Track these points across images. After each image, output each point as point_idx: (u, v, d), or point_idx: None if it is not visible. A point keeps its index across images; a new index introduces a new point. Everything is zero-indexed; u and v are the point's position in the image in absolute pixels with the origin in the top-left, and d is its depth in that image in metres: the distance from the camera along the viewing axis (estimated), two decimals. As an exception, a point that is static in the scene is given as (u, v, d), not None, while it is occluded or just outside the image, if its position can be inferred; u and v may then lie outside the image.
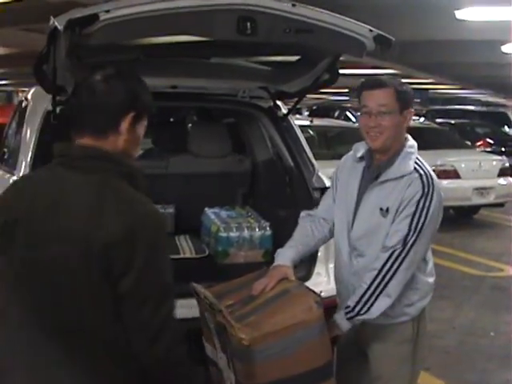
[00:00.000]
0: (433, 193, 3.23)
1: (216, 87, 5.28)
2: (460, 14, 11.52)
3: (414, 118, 20.30)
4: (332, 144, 12.79)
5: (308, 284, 4.34)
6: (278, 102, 5.48)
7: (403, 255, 3.20)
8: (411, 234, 3.20)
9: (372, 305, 3.21)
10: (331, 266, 4.34)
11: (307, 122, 12.86)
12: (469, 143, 16.75)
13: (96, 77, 2.48)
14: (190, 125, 6.89)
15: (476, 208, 14.33)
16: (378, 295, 3.20)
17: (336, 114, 28.93)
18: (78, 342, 2.36)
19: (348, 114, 28.26)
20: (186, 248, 5.35)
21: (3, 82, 33.85)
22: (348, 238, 3.43)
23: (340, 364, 3.57)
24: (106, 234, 2.29)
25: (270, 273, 3.36)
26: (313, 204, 4.61)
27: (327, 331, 3.16)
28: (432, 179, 3.27)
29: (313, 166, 5.22)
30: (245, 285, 3.36)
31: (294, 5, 3.86)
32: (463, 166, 13.24)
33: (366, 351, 3.53)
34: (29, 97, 5.45)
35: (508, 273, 10.11)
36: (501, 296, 8.87)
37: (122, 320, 2.36)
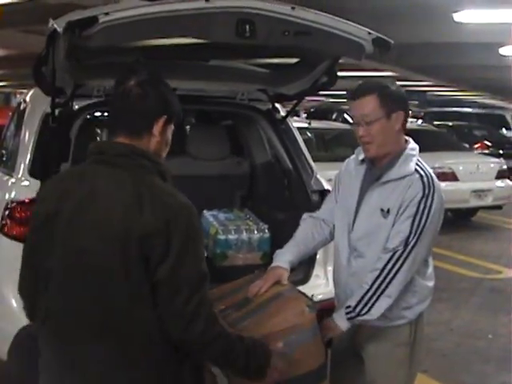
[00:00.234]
0: (433, 194, 3.24)
1: (215, 89, 5.28)
2: (458, 17, 11.53)
3: (411, 120, 20.31)
4: (330, 146, 12.79)
5: (306, 286, 4.36)
6: (277, 105, 5.48)
7: (404, 256, 3.21)
8: (412, 235, 3.21)
9: (373, 305, 3.22)
10: (330, 268, 4.36)
11: (305, 125, 12.86)
12: (467, 145, 16.78)
13: (130, 81, 2.63)
14: (188, 127, 6.89)
15: (474, 210, 14.33)
16: (379, 296, 3.21)
17: (334, 116, 28.93)
18: (112, 327, 2.53)
19: (346, 116, 28.24)
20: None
21: (1, 84, 33.83)
22: (348, 238, 3.44)
23: (335, 366, 3.57)
24: (143, 226, 2.46)
25: (265, 275, 3.38)
26: (311, 206, 4.62)
27: (320, 334, 3.17)
28: (433, 180, 3.28)
29: (311, 168, 5.22)
30: (239, 288, 3.37)
31: (293, 8, 3.86)
32: (461, 168, 13.25)
33: (361, 354, 3.53)
34: (27, 99, 5.45)
35: (506, 275, 10.11)
36: (499, 298, 8.87)
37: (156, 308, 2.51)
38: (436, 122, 20.73)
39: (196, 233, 2.59)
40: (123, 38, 3.97)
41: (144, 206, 2.49)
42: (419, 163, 3.34)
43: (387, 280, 3.21)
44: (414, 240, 3.21)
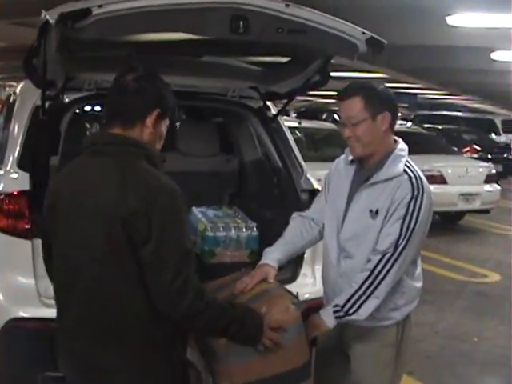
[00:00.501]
0: (423, 195, 3.24)
1: (206, 86, 5.25)
2: (451, 20, 11.55)
3: (401, 122, 20.34)
4: (319, 146, 12.78)
5: (294, 285, 4.35)
6: (268, 103, 5.46)
7: (394, 258, 3.21)
8: (402, 237, 3.21)
9: (361, 305, 3.21)
10: (317, 267, 4.35)
11: (295, 124, 12.85)
12: (456, 149, 16.80)
13: (128, 77, 2.84)
14: (178, 123, 6.87)
15: (462, 214, 14.37)
16: (368, 296, 3.21)
17: (324, 116, 28.95)
18: (101, 305, 2.74)
19: (336, 116, 28.26)
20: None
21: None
22: (337, 239, 3.44)
23: (320, 365, 3.58)
24: (125, 208, 2.64)
25: (252, 272, 3.38)
26: (300, 205, 4.61)
27: (306, 331, 3.17)
28: (422, 182, 3.28)
29: (301, 167, 5.21)
30: (225, 285, 3.36)
31: (287, 5, 3.85)
32: (450, 171, 13.27)
33: (347, 353, 3.53)
34: (17, 91, 5.42)
35: (492, 279, 10.14)
36: (484, 302, 8.91)
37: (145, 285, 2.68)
38: (426, 125, 20.75)
39: (177, 212, 2.73)
40: (116, 31, 3.95)
41: (127, 188, 2.67)
42: (408, 164, 3.34)
43: (377, 281, 3.21)
44: (404, 242, 3.21)
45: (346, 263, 3.40)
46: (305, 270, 4.75)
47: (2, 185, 4.47)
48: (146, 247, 2.64)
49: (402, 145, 3.42)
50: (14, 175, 4.47)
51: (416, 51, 15.68)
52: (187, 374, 3.00)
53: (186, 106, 6.19)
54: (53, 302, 4.14)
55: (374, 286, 3.20)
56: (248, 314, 2.91)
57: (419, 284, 3.50)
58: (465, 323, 7.89)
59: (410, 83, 24.10)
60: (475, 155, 18.93)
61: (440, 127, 20.96)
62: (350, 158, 3.48)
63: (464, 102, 36.91)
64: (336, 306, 3.25)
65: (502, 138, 25.89)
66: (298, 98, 32.44)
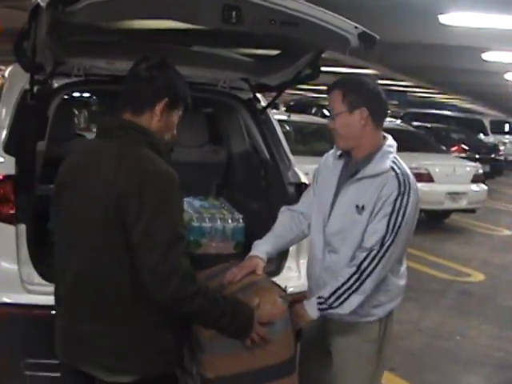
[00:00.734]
0: (409, 192, 3.23)
1: (196, 75, 5.20)
2: (443, 19, 11.52)
3: (390, 120, 20.37)
4: (308, 140, 12.76)
5: (278, 278, 4.33)
6: (258, 95, 5.44)
7: (380, 255, 3.20)
8: (389, 234, 3.20)
9: (345, 300, 3.21)
10: (302, 261, 4.35)
11: (284, 117, 12.83)
12: (444, 148, 16.81)
13: (141, 65, 2.97)
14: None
15: (448, 212, 14.40)
16: (353, 292, 3.21)
17: (313, 110, 28.93)
18: (89, 283, 2.84)
19: (325, 111, 28.25)
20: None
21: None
22: (323, 233, 3.43)
23: (302, 359, 3.57)
24: (119, 189, 2.73)
25: (242, 263, 3.38)
26: (287, 198, 4.60)
27: (292, 325, 3.16)
28: (408, 179, 3.27)
29: (289, 160, 5.19)
30: (214, 275, 3.35)
31: None
32: (437, 170, 13.28)
33: (329, 348, 3.53)
34: (6, 75, 5.37)
35: (476, 278, 10.17)
36: (468, 301, 8.94)
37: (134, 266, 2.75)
38: (415, 123, 20.78)
39: (171, 196, 2.80)
40: (107, 16, 3.92)
41: (121, 173, 2.76)
42: (396, 161, 3.33)
43: (362, 277, 3.20)
44: (391, 239, 3.20)
45: (330, 258, 3.40)
46: (290, 263, 4.73)
47: (-13, 169, 4.44)
48: (136, 228, 2.71)
49: (390, 141, 3.41)
50: (0, 159, 4.43)
51: (408, 49, 15.67)
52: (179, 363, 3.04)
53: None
54: (36, 288, 4.18)
55: (359, 282, 3.20)
56: (239, 307, 2.93)
57: (403, 281, 3.49)
58: (449, 321, 7.91)
59: (402, 81, 24.10)
60: (463, 155, 18.95)
61: (429, 125, 20.99)
62: (339, 152, 3.48)
63: (454, 102, 36.97)
64: (320, 297, 3.25)
65: (491, 139, 26.03)
66: (288, 91, 32.44)
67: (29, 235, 4.25)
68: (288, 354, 3.11)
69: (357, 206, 3.29)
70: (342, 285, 3.21)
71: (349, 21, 4.01)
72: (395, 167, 3.29)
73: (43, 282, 4.20)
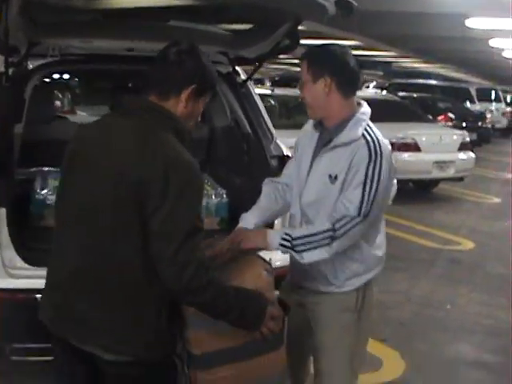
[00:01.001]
0: (381, 160, 3.19)
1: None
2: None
3: (376, 90, 20.24)
4: (293, 114, 12.70)
5: (263, 251, 4.30)
6: (237, 68, 5.38)
7: (356, 221, 3.16)
8: (365, 202, 3.16)
9: (309, 250, 3.18)
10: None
11: (268, 91, 12.77)
12: (430, 117, 16.78)
13: (172, 49, 2.91)
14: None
15: (436, 182, 14.37)
16: (321, 246, 3.17)
17: (297, 84, 28.84)
18: (96, 261, 2.76)
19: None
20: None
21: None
22: (300, 203, 3.42)
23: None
24: (142, 170, 2.67)
25: (230, 235, 3.38)
26: (270, 172, 4.56)
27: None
28: (380, 146, 3.23)
29: (271, 133, 5.16)
30: None
31: None
32: (424, 139, 13.23)
33: (309, 319, 3.51)
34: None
35: (465, 246, 10.16)
36: (458, 269, 8.93)
37: (148, 254, 2.69)
38: (400, 94, 20.73)
39: (194, 188, 2.75)
40: None
41: (147, 153, 2.69)
42: (368, 128, 3.30)
43: (335, 236, 3.16)
44: (366, 207, 3.17)
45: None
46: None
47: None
48: (157, 216, 2.66)
49: (364, 108, 3.38)
50: (-24, 143, 4.38)
51: (389, 18, 15.55)
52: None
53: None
54: (18, 272, 4.14)
55: (330, 240, 3.16)
56: (251, 303, 2.90)
57: (380, 251, 3.46)
58: (438, 290, 7.89)
59: (385, 51, 23.99)
60: (449, 123, 18.94)
61: (415, 95, 20.95)
62: (315, 122, 3.47)
63: (440, 71, 36.91)
64: (288, 234, 3.23)
65: (477, 107, 26.01)
66: (273, 66, 32.32)
67: (9, 219, 4.20)
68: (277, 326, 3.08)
69: (330, 176, 3.26)
70: (314, 234, 3.18)
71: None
72: (366, 135, 3.26)
73: (26, 265, 4.17)
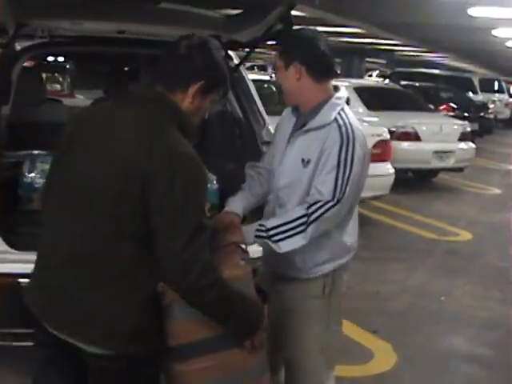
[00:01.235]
0: (354, 144, 3.18)
1: (165, 34, 5.08)
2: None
3: (378, 79, 20.14)
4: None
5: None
6: (230, 52, 5.29)
7: (330, 205, 3.15)
8: (339, 187, 3.15)
9: (286, 238, 3.18)
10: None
11: (267, 78, 12.68)
12: (431, 106, 16.66)
13: (183, 42, 2.86)
14: (142, 74, 6.70)
15: (435, 172, 14.27)
16: (296, 233, 3.17)
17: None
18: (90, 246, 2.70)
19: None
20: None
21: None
22: (275, 187, 3.43)
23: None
24: (149, 165, 2.60)
25: (216, 218, 3.39)
26: (261, 158, 4.48)
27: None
28: (353, 130, 3.21)
29: (263, 119, 5.11)
30: None
31: None
32: (424, 128, 13.11)
33: (280, 308, 3.49)
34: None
35: (464, 237, 10.09)
36: (455, 260, 8.85)
37: (148, 247, 2.65)
38: (403, 82, 20.64)
39: (200, 185, 2.73)
40: None
41: (152, 148, 2.62)
42: (342, 113, 3.28)
43: (309, 221, 3.15)
44: (341, 191, 3.16)
45: (279, 212, 3.38)
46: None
47: None
48: (162, 210, 2.62)
49: (340, 93, 3.37)
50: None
51: (393, 6, 15.45)
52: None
53: (145, 54, 6.01)
54: (2, 256, 4.07)
55: (305, 226, 3.15)
56: (251, 312, 2.89)
57: (350, 239, 3.44)
58: (434, 281, 7.82)
59: (389, 39, 23.88)
60: (451, 113, 18.81)
61: (417, 84, 20.85)
62: (293, 107, 3.49)
63: (443, 60, 36.81)
64: (262, 225, 3.23)
65: (480, 97, 25.88)
66: (274, 52, 32.25)
67: None
68: None
69: (302, 160, 3.26)
70: (288, 222, 3.18)
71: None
72: (339, 119, 3.24)
73: (10, 249, 4.11)
